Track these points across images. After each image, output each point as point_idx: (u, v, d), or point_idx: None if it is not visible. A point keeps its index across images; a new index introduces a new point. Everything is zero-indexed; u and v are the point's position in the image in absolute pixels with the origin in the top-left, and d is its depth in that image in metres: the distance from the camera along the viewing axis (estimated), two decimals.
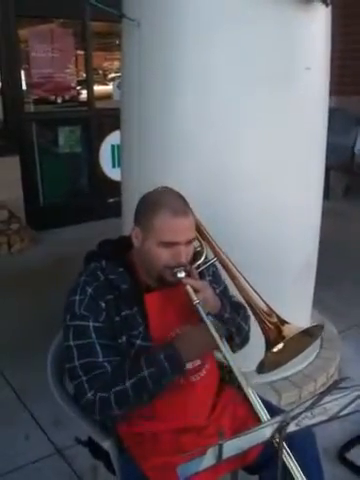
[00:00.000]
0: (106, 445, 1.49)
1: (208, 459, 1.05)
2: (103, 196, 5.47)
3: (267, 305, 1.47)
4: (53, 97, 5.40)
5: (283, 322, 1.41)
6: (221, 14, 2.10)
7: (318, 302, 2.93)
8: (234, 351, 1.48)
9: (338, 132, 5.74)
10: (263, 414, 1.38)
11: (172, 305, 1.43)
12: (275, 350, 1.38)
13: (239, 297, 1.59)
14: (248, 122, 2.22)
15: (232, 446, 1.07)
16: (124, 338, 1.40)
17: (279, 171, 2.33)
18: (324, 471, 1.51)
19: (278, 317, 1.42)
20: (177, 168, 2.27)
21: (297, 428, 1.17)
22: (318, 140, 2.53)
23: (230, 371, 1.43)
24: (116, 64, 6.35)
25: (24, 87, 5.14)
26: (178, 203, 1.40)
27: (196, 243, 1.54)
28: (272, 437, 1.16)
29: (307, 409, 1.13)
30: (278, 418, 1.13)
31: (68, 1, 4.42)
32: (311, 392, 2.57)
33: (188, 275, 1.39)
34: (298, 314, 2.22)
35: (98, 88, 5.82)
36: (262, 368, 1.40)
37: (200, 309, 1.34)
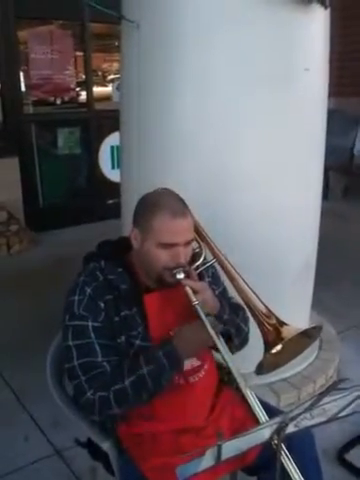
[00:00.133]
0: (105, 446, 1.49)
1: (207, 460, 1.05)
2: (102, 197, 5.47)
3: (266, 306, 1.47)
4: (52, 98, 5.41)
5: (282, 323, 1.41)
6: (220, 15, 2.11)
7: (317, 303, 2.93)
8: (233, 352, 1.48)
9: (337, 133, 5.75)
10: (262, 415, 1.38)
11: (171, 306, 1.43)
12: (274, 351, 1.38)
13: (238, 298, 1.59)
14: (247, 123, 2.23)
15: (231, 447, 1.07)
16: (123, 338, 1.41)
17: (278, 172, 2.33)
18: (323, 472, 1.51)
19: (277, 318, 1.43)
20: (177, 169, 2.27)
21: (296, 429, 1.17)
22: (317, 141, 2.54)
23: (229, 372, 1.43)
24: (115, 65, 6.35)
25: (23, 88, 5.15)
26: (177, 204, 1.40)
27: (195, 244, 1.54)
28: (271, 438, 1.16)
29: (306, 410, 1.13)
30: (277, 419, 1.13)
31: (67, 3, 4.42)
32: (310, 393, 2.57)
33: (187, 276, 1.39)
34: (297, 315, 2.22)
35: (97, 89, 5.82)
36: (261, 369, 1.40)
37: (199, 310, 1.34)
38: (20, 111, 5.08)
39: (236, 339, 1.53)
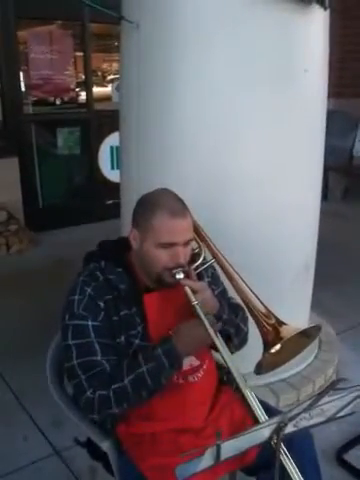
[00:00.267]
0: (105, 446, 1.49)
1: (206, 460, 1.05)
2: (102, 197, 5.47)
3: (265, 306, 1.48)
4: (52, 98, 5.40)
5: (281, 323, 1.42)
6: (220, 16, 2.11)
7: (317, 303, 2.93)
8: (232, 352, 1.49)
9: (337, 134, 5.76)
10: (262, 415, 1.38)
11: (171, 306, 1.43)
12: (273, 351, 1.38)
13: (237, 298, 1.59)
14: (247, 123, 2.23)
15: (230, 447, 1.07)
16: (122, 338, 1.41)
17: (278, 172, 2.33)
18: (322, 473, 1.52)
19: (276, 318, 1.43)
20: (176, 169, 2.27)
21: (295, 429, 1.17)
22: (317, 142, 2.54)
23: (228, 372, 1.44)
24: (115, 66, 6.35)
25: (23, 88, 5.14)
26: (176, 204, 1.41)
27: (194, 244, 1.55)
28: (270, 438, 1.16)
29: (305, 410, 1.13)
30: (276, 419, 1.13)
31: (67, 3, 4.42)
32: (309, 394, 2.58)
33: (187, 276, 1.39)
34: (296, 316, 2.23)
35: (97, 90, 5.82)
36: (260, 369, 1.40)
37: (199, 310, 1.34)
38: (20, 111, 5.07)
39: (235, 339, 1.53)
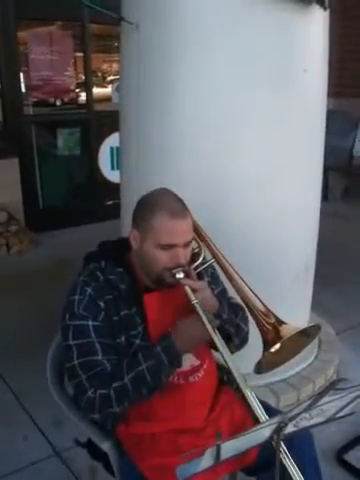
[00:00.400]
0: (105, 446, 1.49)
1: (206, 460, 1.05)
2: (102, 198, 5.47)
3: (264, 305, 1.48)
4: (52, 99, 5.40)
5: (280, 322, 1.42)
6: (219, 17, 2.11)
7: (317, 303, 2.93)
8: (232, 352, 1.49)
9: (336, 134, 5.76)
10: (261, 415, 1.38)
11: (171, 305, 1.43)
12: (273, 350, 1.38)
13: (237, 298, 1.59)
14: (246, 124, 2.23)
15: (230, 447, 1.07)
16: (123, 338, 1.41)
17: (278, 172, 2.33)
18: (322, 473, 1.52)
19: (276, 317, 1.43)
20: (176, 170, 2.27)
21: (295, 429, 1.18)
22: (316, 142, 2.54)
23: (229, 372, 1.44)
24: (115, 66, 6.35)
25: (23, 89, 5.14)
26: (176, 205, 1.40)
27: (194, 244, 1.55)
28: (270, 438, 1.16)
29: (305, 410, 1.13)
30: (276, 419, 1.13)
31: (67, 4, 4.42)
32: (309, 394, 2.58)
33: (186, 275, 1.39)
34: (296, 316, 2.22)
35: (97, 90, 5.81)
36: (260, 368, 1.40)
37: (198, 309, 1.34)
38: (20, 112, 5.07)
39: (236, 339, 1.53)
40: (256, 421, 1.37)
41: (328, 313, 3.23)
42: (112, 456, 1.48)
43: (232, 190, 2.27)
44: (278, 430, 1.14)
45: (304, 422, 1.18)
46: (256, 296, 1.51)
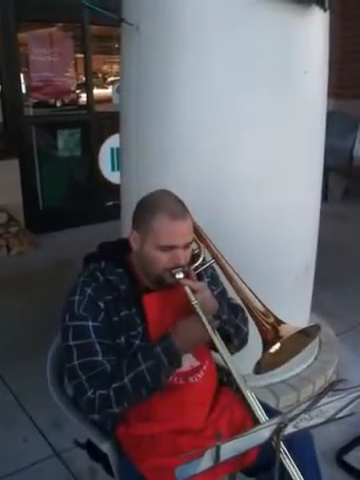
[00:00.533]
0: (105, 447, 1.49)
1: (206, 461, 1.05)
2: (102, 199, 5.48)
3: (264, 306, 1.48)
4: (52, 100, 5.41)
5: (280, 322, 1.42)
6: (219, 18, 2.11)
7: (317, 304, 2.93)
8: (232, 353, 1.49)
9: (337, 135, 5.76)
10: (261, 416, 1.38)
11: (171, 306, 1.43)
12: (272, 351, 1.38)
13: (236, 298, 1.59)
14: (246, 125, 2.23)
15: (230, 448, 1.07)
16: (122, 338, 1.41)
17: (278, 173, 2.33)
18: (322, 474, 1.52)
19: (275, 317, 1.43)
20: (176, 171, 2.27)
21: (295, 430, 1.18)
22: (316, 143, 2.54)
23: (228, 373, 1.44)
24: (115, 67, 6.36)
25: (24, 90, 5.15)
26: (176, 206, 1.41)
27: (194, 245, 1.55)
28: (270, 439, 1.16)
29: (305, 411, 1.13)
30: (276, 420, 1.13)
31: (67, 5, 4.43)
32: (309, 395, 2.57)
33: (186, 276, 1.40)
34: (296, 317, 2.21)
35: (97, 91, 5.82)
36: (259, 368, 1.40)
37: (198, 309, 1.34)
38: (20, 113, 5.08)
39: (235, 339, 1.53)
40: (256, 422, 1.37)
41: (328, 314, 3.23)
42: (112, 457, 1.48)
43: (232, 191, 2.27)
44: (278, 431, 1.14)
45: (304, 423, 1.18)
46: (255, 296, 1.51)
